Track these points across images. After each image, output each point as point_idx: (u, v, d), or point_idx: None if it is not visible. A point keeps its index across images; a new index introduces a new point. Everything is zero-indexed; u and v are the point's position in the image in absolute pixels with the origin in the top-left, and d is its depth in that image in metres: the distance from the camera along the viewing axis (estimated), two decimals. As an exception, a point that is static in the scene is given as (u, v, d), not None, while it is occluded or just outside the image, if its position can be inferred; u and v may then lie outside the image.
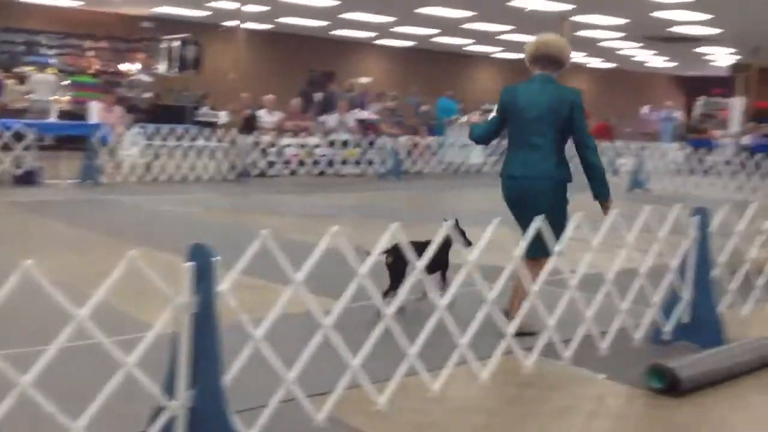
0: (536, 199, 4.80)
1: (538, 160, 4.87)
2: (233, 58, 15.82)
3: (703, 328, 4.76)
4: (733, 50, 25.95)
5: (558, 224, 4.40)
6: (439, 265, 5.19)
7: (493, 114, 5.24)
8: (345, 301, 3.32)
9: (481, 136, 5.35)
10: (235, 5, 15.72)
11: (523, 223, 4.52)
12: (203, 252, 2.83)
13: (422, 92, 20.90)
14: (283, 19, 23.22)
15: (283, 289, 3.20)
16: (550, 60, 4.97)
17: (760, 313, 5.55)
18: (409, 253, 3.62)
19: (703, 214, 4.74)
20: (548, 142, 4.87)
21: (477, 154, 18.26)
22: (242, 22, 15.96)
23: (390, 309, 3.49)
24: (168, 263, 2.87)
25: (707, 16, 19.33)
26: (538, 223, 4.08)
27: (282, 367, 3.10)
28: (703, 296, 4.77)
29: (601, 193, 4.94)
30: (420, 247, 3.81)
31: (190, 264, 2.81)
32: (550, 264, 4.24)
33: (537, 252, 4.36)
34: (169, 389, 2.83)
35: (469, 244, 4.93)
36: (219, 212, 10.58)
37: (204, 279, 2.83)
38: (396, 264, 4.85)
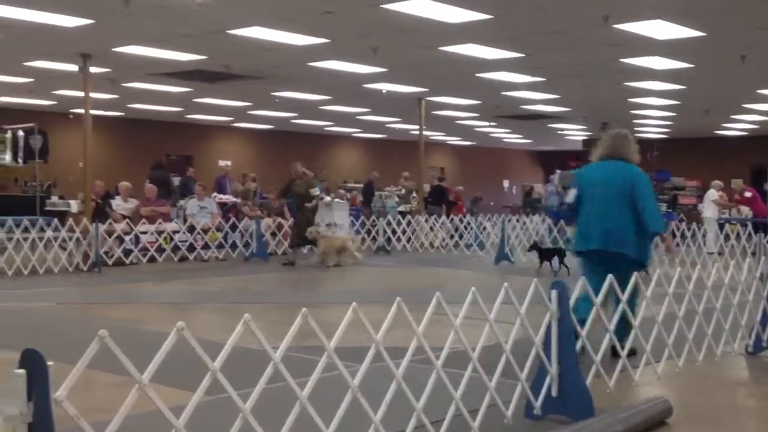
0: None
1: None
2: (83, 146, 15.33)
3: (572, 400, 4.75)
4: (583, 126, 27.39)
5: None
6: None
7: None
8: (198, 397, 3.08)
9: None
10: (81, 94, 15.34)
11: None
12: (35, 357, 2.56)
13: (281, 172, 20.89)
14: (133, 106, 22.82)
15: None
16: None
17: (625, 381, 5.64)
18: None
19: (561, 287, 4.78)
20: None
21: (345, 232, 18.26)
22: (91, 109, 15.51)
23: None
24: (13, 363, 2.62)
25: (554, 96, 20.37)
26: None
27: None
28: (568, 368, 4.78)
29: None
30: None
31: (20, 371, 2.55)
32: None
33: None
34: None
35: None
36: (71, 306, 9.96)
37: (38, 386, 2.57)
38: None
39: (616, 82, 17.49)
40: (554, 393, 4.80)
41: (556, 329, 4.77)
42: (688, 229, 15.69)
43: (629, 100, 20.71)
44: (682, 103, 21.06)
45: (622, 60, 14.83)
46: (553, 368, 4.78)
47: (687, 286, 6.37)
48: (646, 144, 29.66)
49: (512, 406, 4.70)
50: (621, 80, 17.33)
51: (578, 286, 5.23)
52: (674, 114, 23.82)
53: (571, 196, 6.72)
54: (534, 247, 13.86)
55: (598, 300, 5.36)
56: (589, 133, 27.75)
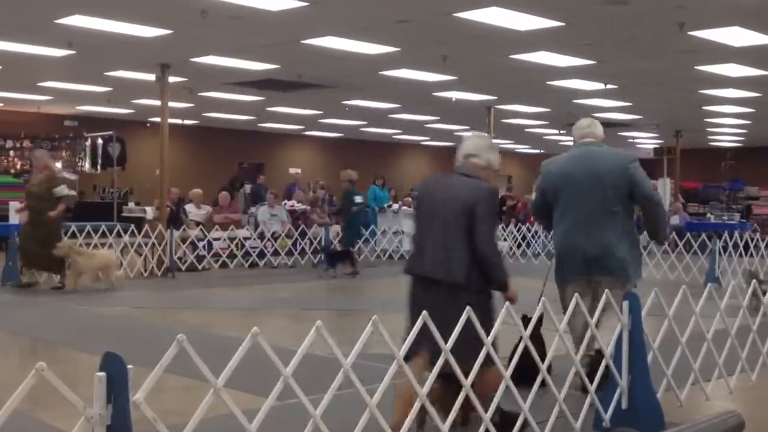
0: None
1: None
2: (159, 154, 15.71)
3: (643, 413, 4.68)
4: (655, 134, 26.87)
5: None
6: None
7: None
8: (270, 402, 3.15)
9: None
10: (158, 102, 15.75)
11: None
12: (115, 361, 2.66)
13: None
14: (209, 114, 23.31)
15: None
16: None
17: (697, 395, 5.53)
18: None
19: (633, 298, 4.73)
20: None
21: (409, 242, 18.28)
22: (168, 118, 15.90)
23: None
24: (92, 365, 2.73)
25: (626, 104, 20.05)
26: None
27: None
28: (639, 381, 4.72)
29: None
30: None
31: (101, 374, 2.65)
32: None
33: None
34: None
35: None
36: (146, 310, 10.23)
37: (117, 389, 2.66)
38: None
39: (690, 89, 17.12)
40: (624, 405, 4.75)
41: (627, 341, 4.72)
42: (762, 240, 15.24)
43: (704, 108, 20.24)
44: (757, 111, 20.48)
45: (696, 67, 14.52)
46: (624, 380, 4.73)
47: (762, 298, 6.23)
48: (719, 152, 29.01)
49: (581, 418, 4.65)
50: (695, 88, 16.96)
51: None
52: (749, 122, 23.18)
53: None
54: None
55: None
56: (661, 141, 27.17)
